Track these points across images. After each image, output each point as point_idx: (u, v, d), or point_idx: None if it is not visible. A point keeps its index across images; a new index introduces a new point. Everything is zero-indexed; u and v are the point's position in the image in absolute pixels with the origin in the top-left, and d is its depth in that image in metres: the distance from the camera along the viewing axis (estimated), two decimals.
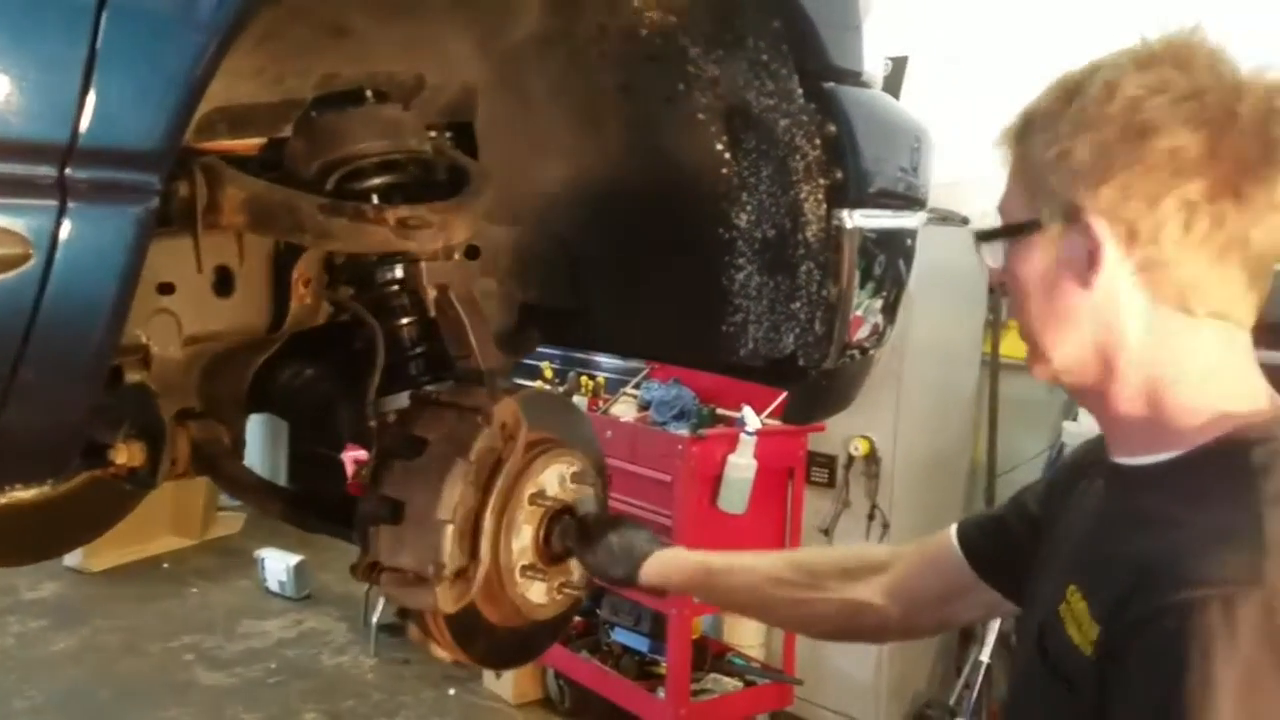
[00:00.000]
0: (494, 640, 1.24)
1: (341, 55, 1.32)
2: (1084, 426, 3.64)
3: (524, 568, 1.18)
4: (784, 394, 3.88)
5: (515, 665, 1.36)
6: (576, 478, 1.24)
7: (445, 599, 1.11)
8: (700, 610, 4.00)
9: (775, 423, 3.94)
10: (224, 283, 1.28)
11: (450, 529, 1.10)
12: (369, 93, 1.35)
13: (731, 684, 4.03)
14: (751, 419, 3.64)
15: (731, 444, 3.64)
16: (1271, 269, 0.96)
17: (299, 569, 5.31)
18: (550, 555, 1.21)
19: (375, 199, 1.31)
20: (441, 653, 1.22)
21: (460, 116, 1.51)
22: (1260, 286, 0.95)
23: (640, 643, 4.05)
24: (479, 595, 1.15)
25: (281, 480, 1.64)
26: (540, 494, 1.19)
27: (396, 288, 1.34)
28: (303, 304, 1.35)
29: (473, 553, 1.13)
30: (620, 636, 4.11)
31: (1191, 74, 0.93)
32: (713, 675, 4.03)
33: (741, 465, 3.63)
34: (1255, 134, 0.90)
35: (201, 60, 0.87)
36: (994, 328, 4.43)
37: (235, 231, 1.26)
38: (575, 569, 1.25)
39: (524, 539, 1.18)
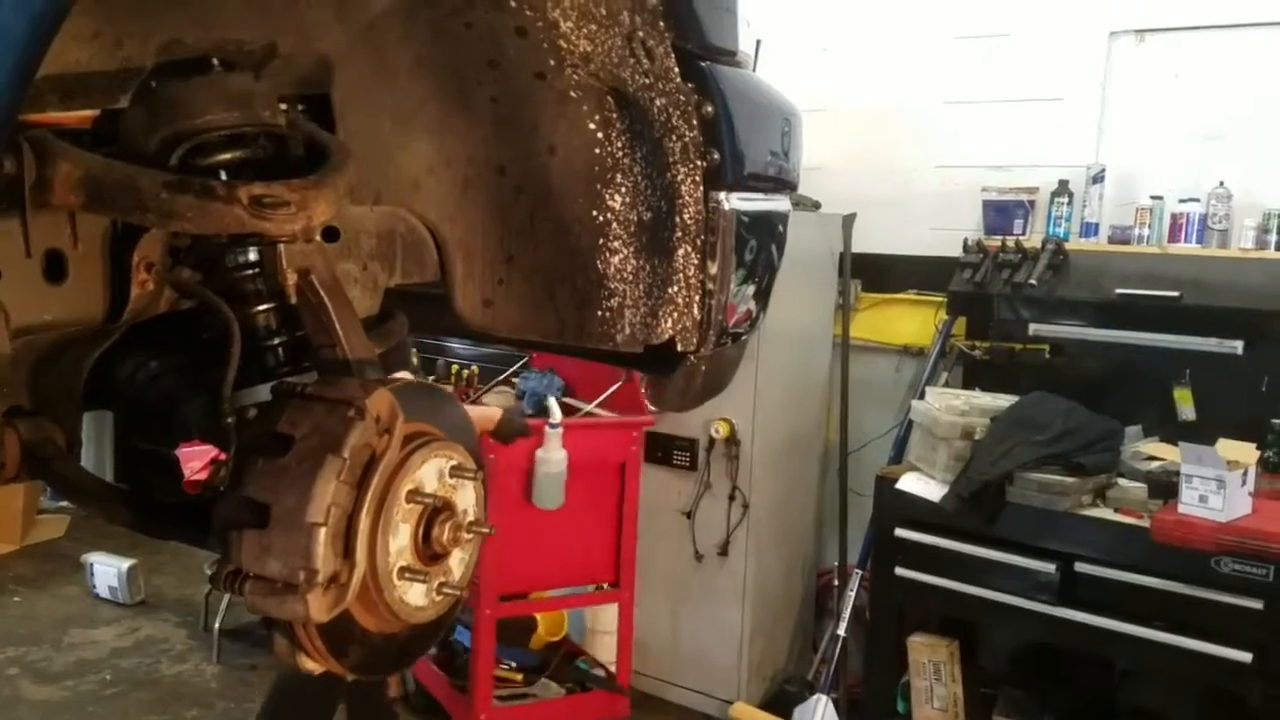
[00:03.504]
0: (370, 648, 1.16)
1: (186, 19, 1.21)
2: (930, 404, 3.76)
3: (402, 569, 1.11)
4: (616, 384, 3.88)
5: (392, 672, 1.28)
6: (456, 472, 1.17)
7: (318, 607, 1.03)
8: (556, 605, 3.91)
9: (607, 414, 3.87)
10: (56, 268, 1.16)
11: (323, 532, 1.02)
12: (216, 61, 1.25)
13: (557, 689, 3.95)
14: (556, 412, 3.58)
15: (538, 438, 3.55)
16: None
17: (131, 573, 5.06)
18: (429, 554, 1.14)
19: (224, 175, 1.21)
20: (311, 665, 1.13)
21: (316, 88, 1.41)
22: None
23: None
24: (354, 601, 1.08)
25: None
26: (418, 490, 1.12)
27: (250, 272, 1.25)
28: (144, 291, 1.25)
29: (347, 556, 1.06)
30: (462, 635, 3.96)
31: None
32: (543, 681, 3.94)
33: (551, 460, 3.56)
34: None
35: (42, 17, 0.76)
36: (844, 311, 4.54)
37: (68, 211, 1.15)
38: (455, 567, 1.19)
39: (402, 539, 1.11)
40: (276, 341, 1.26)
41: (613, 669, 4.03)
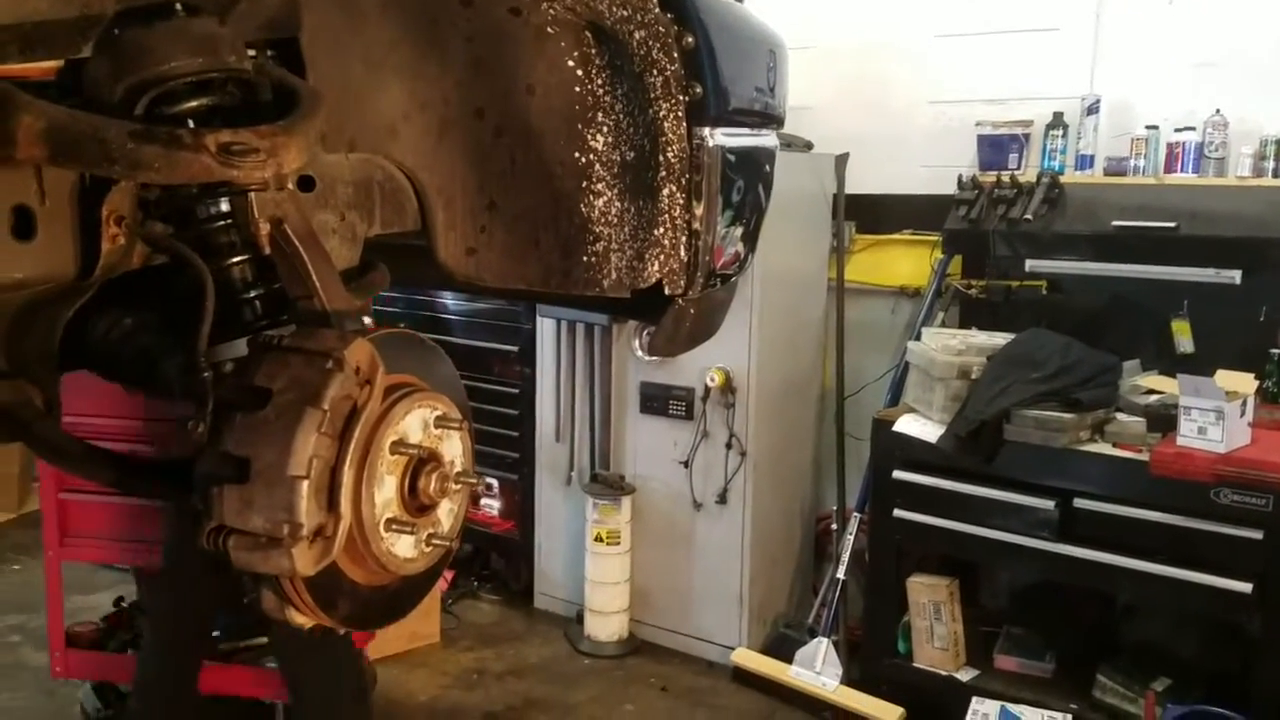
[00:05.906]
0: (359, 601, 1.15)
1: None
2: (926, 345, 3.74)
3: (389, 521, 1.10)
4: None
5: (383, 625, 1.27)
6: (441, 422, 1.15)
7: (304, 561, 1.02)
8: None
9: None
10: (24, 224, 1.13)
11: (305, 484, 1.00)
12: (179, 6, 1.21)
13: None
14: None
15: None
16: None
17: None
18: (417, 506, 1.13)
19: (192, 123, 1.18)
20: (301, 619, 1.12)
21: (283, 32, 1.37)
22: None
23: None
24: (341, 554, 1.06)
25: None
26: (403, 441, 1.10)
27: (223, 223, 1.22)
28: (115, 246, 1.21)
29: (331, 509, 1.04)
30: None
31: None
32: None
33: None
34: None
35: None
36: (839, 253, 4.50)
37: (34, 166, 1.11)
38: (444, 519, 1.17)
39: (387, 491, 1.09)
40: (253, 294, 1.23)
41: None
